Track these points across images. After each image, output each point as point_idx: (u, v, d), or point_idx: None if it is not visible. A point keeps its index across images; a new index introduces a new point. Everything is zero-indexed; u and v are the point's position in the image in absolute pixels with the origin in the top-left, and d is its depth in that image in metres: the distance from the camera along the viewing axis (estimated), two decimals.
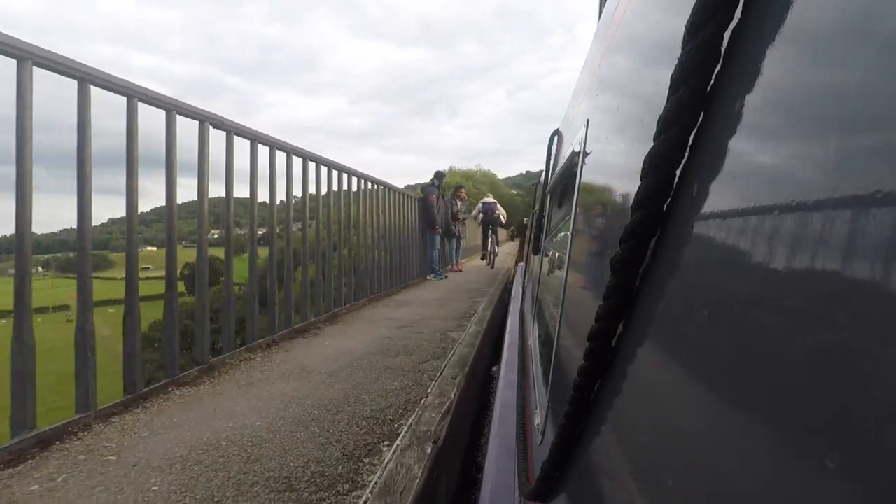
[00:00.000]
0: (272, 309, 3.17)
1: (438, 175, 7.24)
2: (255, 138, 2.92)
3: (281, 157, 3.27)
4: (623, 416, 0.46)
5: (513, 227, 28.85)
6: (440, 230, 7.15)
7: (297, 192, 3.63)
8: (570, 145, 1.37)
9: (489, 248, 9.81)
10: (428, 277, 7.10)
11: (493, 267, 9.44)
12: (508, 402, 1.86)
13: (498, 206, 9.88)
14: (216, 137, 2.66)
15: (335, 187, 4.19)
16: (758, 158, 0.30)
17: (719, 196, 0.33)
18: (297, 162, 3.54)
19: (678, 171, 0.38)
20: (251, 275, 3.06)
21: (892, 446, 0.16)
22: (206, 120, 2.56)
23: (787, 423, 0.22)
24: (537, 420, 1.15)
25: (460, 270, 8.60)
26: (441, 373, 2.43)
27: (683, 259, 0.37)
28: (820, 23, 0.26)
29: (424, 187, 7.10)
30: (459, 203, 8.46)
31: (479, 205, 10.02)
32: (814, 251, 0.22)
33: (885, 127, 0.19)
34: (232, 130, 2.75)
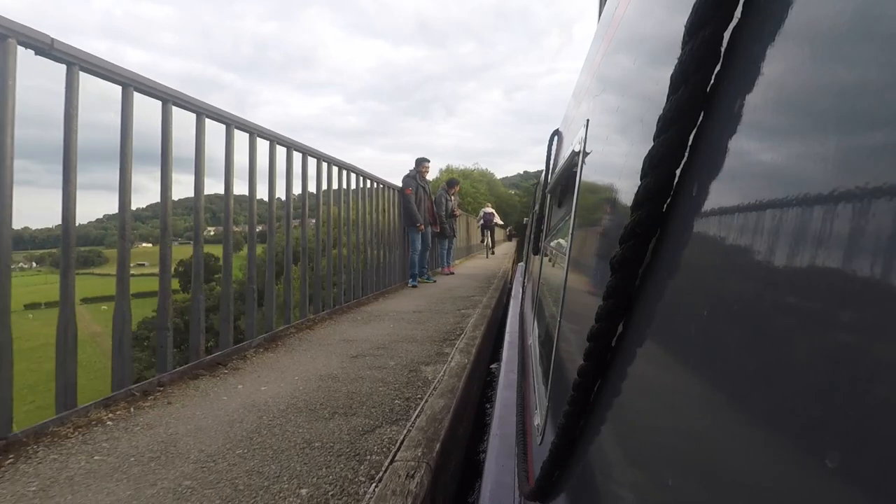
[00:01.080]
0: (162, 336, 2.18)
1: (418, 162, 6.10)
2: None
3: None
4: (623, 416, 0.45)
5: (510, 227, 28.55)
6: (422, 227, 5.98)
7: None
8: (570, 145, 1.37)
9: (486, 243, 13.64)
10: (409, 284, 6.02)
11: (489, 256, 13.13)
12: (508, 402, 1.83)
13: (496, 215, 13.63)
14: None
15: (283, 167, 3.19)
16: (757, 158, 0.30)
17: (719, 196, 0.33)
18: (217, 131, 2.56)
19: (678, 171, 0.38)
20: (119, 287, 2.05)
21: (893, 446, 0.16)
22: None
23: (786, 423, 0.22)
24: (537, 420, 1.13)
25: (452, 273, 7.69)
26: (391, 460, 1.44)
27: (683, 259, 0.37)
28: (819, 22, 0.25)
29: (404, 178, 6.00)
30: (452, 199, 7.59)
31: (481, 212, 13.68)
32: (814, 251, 0.22)
33: (885, 126, 0.19)
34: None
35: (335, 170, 4.03)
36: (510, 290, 6.20)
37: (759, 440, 0.24)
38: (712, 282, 0.32)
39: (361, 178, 4.64)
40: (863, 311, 0.19)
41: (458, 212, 8.05)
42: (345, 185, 4.26)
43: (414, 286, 5.90)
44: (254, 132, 2.84)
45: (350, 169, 4.31)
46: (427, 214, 6.10)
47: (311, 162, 3.61)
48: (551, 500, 0.65)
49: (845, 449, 0.18)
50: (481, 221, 13.55)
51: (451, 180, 7.90)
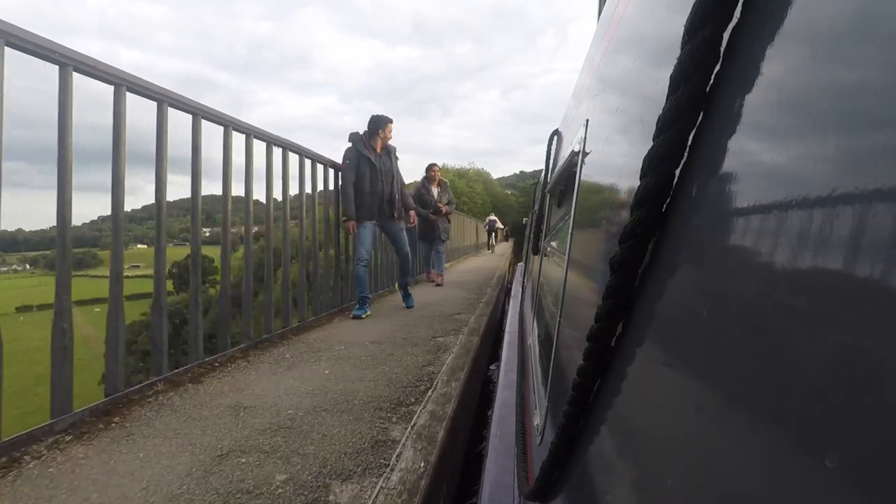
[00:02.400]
0: None
1: (371, 122, 3.81)
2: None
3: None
4: (622, 416, 0.45)
5: (507, 228, 28.96)
6: (352, 225, 3.69)
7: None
8: (570, 145, 1.37)
9: (490, 242, 18.01)
10: (351, 315, 3.73)
11: (492, 252, 16.12)
12: (508, 402, 1.84)
13: (497, 221, 19.17)
14: None
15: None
16: (757, 158, 0.30)
17: (719, 196, 0.33)
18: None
19: (678, 171, 0.38)
20: None
21: (893, 446, 0.16)
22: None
23: (786, 423, 0.22)
24: (537, 420, 1.14)
25: (440, 284, 5.88)
26: None
27: (683, 259, 0.37)
28: (819, 22, 0.25)
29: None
30: (436, 191, 5.82)
31: (487, 220, 18.81)
32: (813, 251, 0.22)
33: (885, 126, 0.19)
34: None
35: (242, 139, 2.73)
36: (509, 288, 6.05)
37: (758, 440, 0.24)
38: (712, 282, 0.32)
39: (310, 162, 3.42)
40: (863, 311, 0.19)
41: (444, 208, 5.90)
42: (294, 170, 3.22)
43: (363, 313, 3.68)
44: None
45: (283, 144, 3.06)
46: (385, 204, 3.79)
47: (208, 128, 2.43)
48: (551, 500, 0.65)
49: (845, 449, 0.18)
50: (486, 226, 18.38)
51: (427, 167, 5.92)
